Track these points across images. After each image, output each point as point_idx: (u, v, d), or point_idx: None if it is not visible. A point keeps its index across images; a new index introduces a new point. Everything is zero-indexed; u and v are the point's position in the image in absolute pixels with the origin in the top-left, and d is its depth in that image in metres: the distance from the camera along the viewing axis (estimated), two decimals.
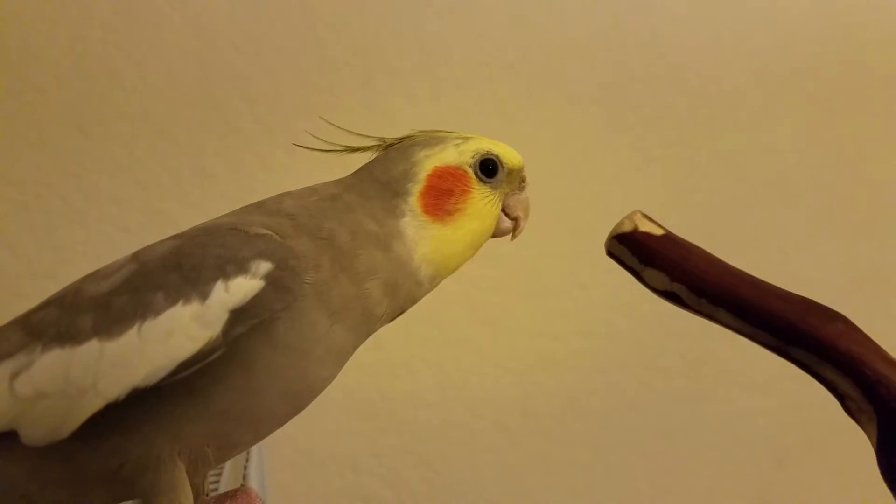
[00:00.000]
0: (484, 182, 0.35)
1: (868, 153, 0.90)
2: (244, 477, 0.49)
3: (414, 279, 0.34)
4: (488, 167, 0.35)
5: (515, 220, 0.37)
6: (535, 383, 0.86)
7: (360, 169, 0.37)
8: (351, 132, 0.37)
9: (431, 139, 0.36)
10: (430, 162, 0.35)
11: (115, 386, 0.28)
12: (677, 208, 0.86)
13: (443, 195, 0.34)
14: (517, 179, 0.37)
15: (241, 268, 0.29)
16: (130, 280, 0.30)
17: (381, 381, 0.82)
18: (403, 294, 0.34)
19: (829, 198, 0.89)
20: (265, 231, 0.31)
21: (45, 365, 0.29)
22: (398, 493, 0.82)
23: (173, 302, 0.29)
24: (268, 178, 0.77)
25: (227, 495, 0.36)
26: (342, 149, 0.37)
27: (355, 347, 0.34)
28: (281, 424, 0.33)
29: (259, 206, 0.34)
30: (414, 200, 0.34)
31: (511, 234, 0.37)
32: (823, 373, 0.30)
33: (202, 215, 0.68)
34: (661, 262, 0.31)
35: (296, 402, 0.32)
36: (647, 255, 0.31)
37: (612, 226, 0.33)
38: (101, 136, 0.76)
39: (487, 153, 0.35)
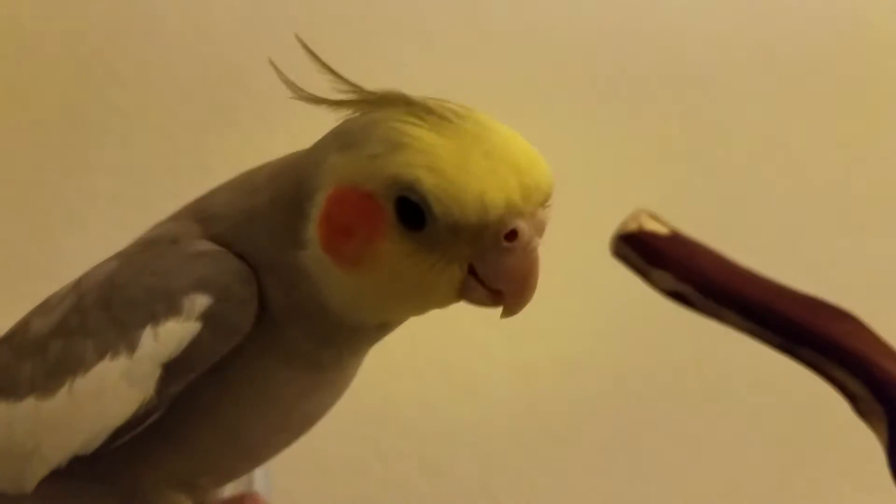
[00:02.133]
0: (407, 230, 0.22)
1: (884, 149, 0.87)
2: (250, 482, 0.49)
3: (344, 323, 0.25)
4: (412, 211, 0.22)
5: (498, 293, 0.23)
6: (544, 385, 0.86)
7: (285, 157, 0.27)
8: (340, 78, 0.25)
9: (360, 138, 0.23)
10: (333, 175, 0.23)
11: (56, 452, 0.25)
12: (690, 204, 0.85)
13: (340, 233, 0.23)
14: (489, 233, 0.22)
15: (172, 307, 0.24)
16: (66, 319, 0.26)
17: (387, 384, 0.82)
18: (350, 338, 0.26)
19: (845, 194, 0.89)
20: (206, 246, 0.25)
21: None
22: (405, 497, 0.82)
23: (101, 354, 0.24)
24: None
25: (234, 500, 0.35)
26: (313, 99, 0.25)
27: (348, 376, 0.29)
28: (282, 449, 0.29)
29: (188, 214, 0.28)
30: (313, 228, 0.23)
31: (502, 311, 0.24)
32: (832, 373, 0.29)
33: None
34: (666, 262, 0.31)
35: (290, 433, 0.29)
36: (652, 255, 0.31)
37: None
38: (99, 133, 0.76)
39: (410, 188, 0.21)
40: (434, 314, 0.69)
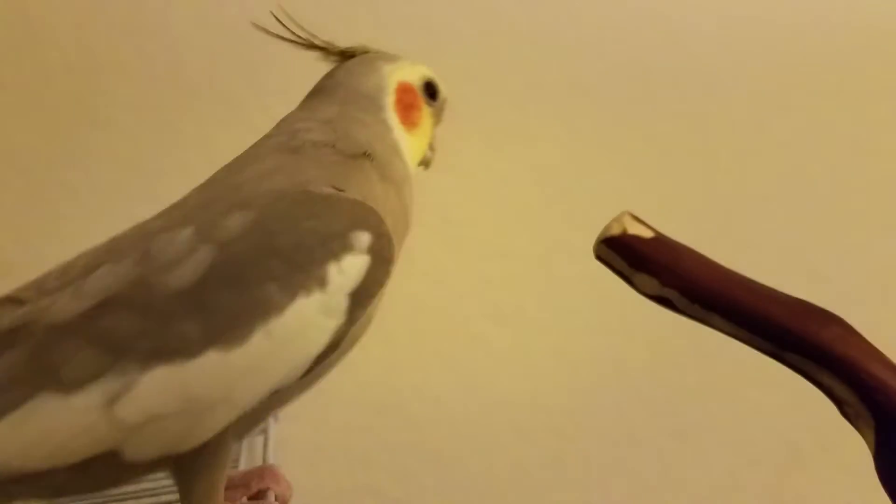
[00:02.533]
0: (429, 103, 0.37)
1: (882, 148, 0.88)
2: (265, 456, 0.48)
3: (412, 187, 0.35)
4: (432, 91, 0.38)
5: (432, 153, 0.38)
6: (547, 380, 0.86)
7: (322, 88, 0.37)
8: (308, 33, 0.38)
9: (386, 54, 0.38)
10: (395, 76, 0.36)
11: (252, 393, 0.26)
12: (691, 204, 0.84)
13: (409, 108, 0.36)
14: (442, 111, 0.39)
15: (346, 244, 0.27)
16: (216, 271, 0.26)
17: (392, 377, 0.82)
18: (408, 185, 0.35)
19: (843, 193, 0.88)
20: (333, 191, 0.29)
21: (152, 386, 0.25)
22: (409, 489, 0.82)
23: (293, 295, 0.26)
24: None
25: (253, 473, 0.35)
26: (302, 41, 0.37)
27: None
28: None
29: (283, 148, 0.32)
30: (392, 113, 0.36)
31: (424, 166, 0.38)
32: (820, 378, 0.29)
33: None
34: (651, 266, 0.30)
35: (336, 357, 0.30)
36: (636, 259, 0.30)
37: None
38: (108, 126, 0.76)
39: (431, 78, 0.38)
40: (439, 310, 0.70)
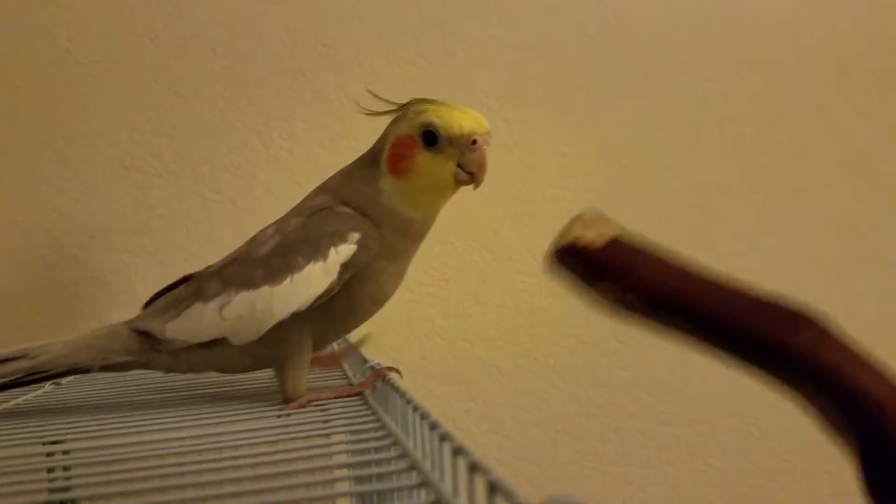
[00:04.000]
0: (427, 148, 0.46)
1: (872, 152, 0.90)
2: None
3: (405, 219, 0.48)
4: (430, 136, 0.45)
5: (472, 174, 0.46)
6: (607, 354, 0.84)
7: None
8: (385, 100, 0.48)
9: (402, 115, 0.48)
10: (392, 135, 0.47)
11: (283, 311, 0.46)
12: (696, 197, 0.87)
13: (398, 158, 0.46)
14: (465, 143, 0.45)
15: (344, 238, 0.46)
16: (280, 247, 0.47)
17: (456, 347, 0.82)
18: (410, 231, 0.48)
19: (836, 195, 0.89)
20: (347, 210, 0.47)
21: (239, 301, 0.47)
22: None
23: (308, 261, 0.46)
24: (350, 142, 0.78)
25: (337, 355, 0.61)
26: (368, 112, 0.49)
27: (406, 267, 0.50)
28: (368, 318, 0.50)
29: (323, 189, 0.51)
30: (384, 165, 0.47)
31: (472, 185, 0.46)
32: (798, 387, 0.26)
33: (289, 177, 0.72)
34: (608, 274, 0.28)
35: (377, 305, 0.50)
36: (592, 268, 0.28)
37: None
38: (195, 98, 0.78)
39: (429, 125, 0.45)
40: (501, 284, 0.75)
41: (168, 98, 0.79)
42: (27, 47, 0.77)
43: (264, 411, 0.46)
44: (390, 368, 0.49)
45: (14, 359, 0.48)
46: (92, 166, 0.78)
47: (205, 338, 0.48)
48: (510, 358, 0.83)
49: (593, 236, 0.28)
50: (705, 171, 0.87)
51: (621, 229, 0.29)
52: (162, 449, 0.37)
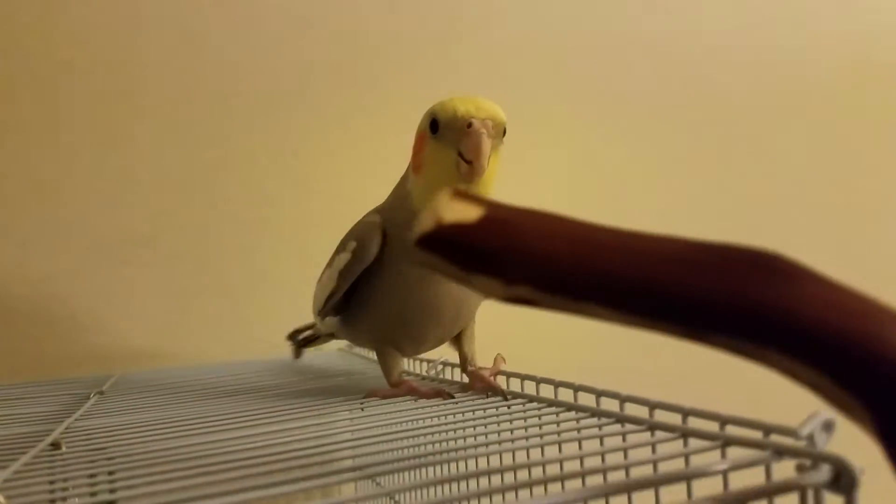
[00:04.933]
0: (432, 137, 0.42)
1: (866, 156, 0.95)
2: None
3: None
4: (434, 124, 0.42)
5: (469, 162, 0.41)
6: None
7: None
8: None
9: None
10: (416, 133, 0.45)
11: (318, 300, 0.50)
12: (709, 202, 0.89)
13: (414, 155, 0.44)
14: (459, 127, 0.41)
15: (345, 248, 0.46)
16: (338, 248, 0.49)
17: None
18: None
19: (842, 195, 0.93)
20: (367, 217, 0.47)
21: (324, 276, 0.49)
22: None
23: (328, 265, 0.48)
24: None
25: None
26: None
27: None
28: (434, 331, 0.47)
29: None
30: (409, 165, 0.45)
31: (471, 176, 0.41)
32: (771, 359, 0.18)
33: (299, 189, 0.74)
34: (487, 262, 0.20)
35: (431, 316, 0.46)
36: (465, 256, 0.20)
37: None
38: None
39: (432, 113, 0.42)
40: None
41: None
42: (25, 54, 0.72)
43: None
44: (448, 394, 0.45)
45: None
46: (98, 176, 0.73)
47: (328, 295, 0.49)
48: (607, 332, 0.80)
49: (460, 214, 0.21)
50: (709, 188, 0.89)
51: (493, 201, 0.21)
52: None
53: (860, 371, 0.17)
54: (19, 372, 0.67)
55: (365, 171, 0.77)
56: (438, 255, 0.21)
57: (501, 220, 0.20)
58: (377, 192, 0.50)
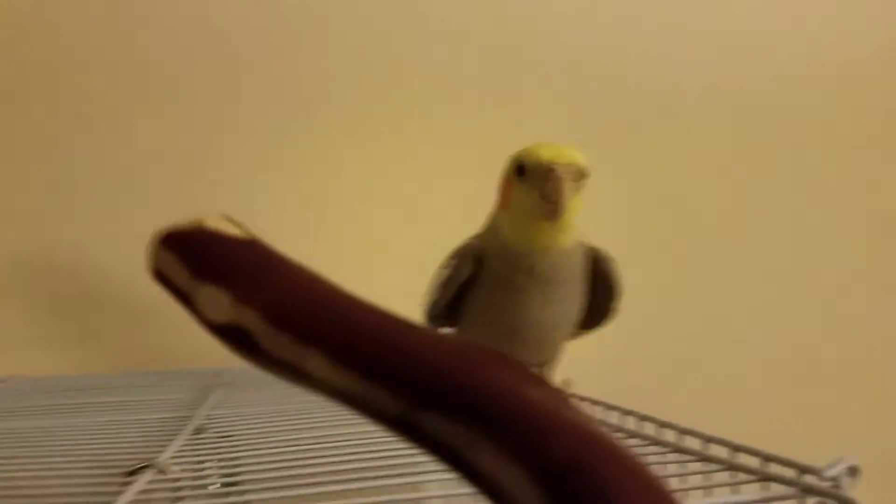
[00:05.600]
0: (517, 179, 0.46)
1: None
2: None
3: (512, 252, 0.48)
4: (521, 168, 0.45)
5: (551, 203, 0.44)
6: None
7: None
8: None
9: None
10: (503, 175, 0.49)
11: (426, 305, 0.52)
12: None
13: (502, 193, 0.48)
14: (542, 172, 0.44)
15: (447, 265, 0.50)
16: None
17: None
18: (520, 264, 0.47)
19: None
20: (469, 241, 0.50)
21: None
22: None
23: (436, 277, 0.50)
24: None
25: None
26: None
27: (549, 300, 0.48)
28: (520, 353, 0.50)
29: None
30: (497, 202, 0.49)
31: (552, 216, 0.45)
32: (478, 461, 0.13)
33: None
34: (224, 270, 0.17)
35: (514, 337, 0.49)
36: (205, 259, 0.17)
37: None
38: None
39: (518, 159, 0.46)
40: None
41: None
42: (33, 47, 0.72)
43: None
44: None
45: None
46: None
47: None
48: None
49: (223, 228, 0.18)
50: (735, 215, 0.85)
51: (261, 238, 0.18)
52: None
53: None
54: (147, 363, 0.72)
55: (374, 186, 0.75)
56: (177, 253, 0.18)
57: (261, 249, 0.17)
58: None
